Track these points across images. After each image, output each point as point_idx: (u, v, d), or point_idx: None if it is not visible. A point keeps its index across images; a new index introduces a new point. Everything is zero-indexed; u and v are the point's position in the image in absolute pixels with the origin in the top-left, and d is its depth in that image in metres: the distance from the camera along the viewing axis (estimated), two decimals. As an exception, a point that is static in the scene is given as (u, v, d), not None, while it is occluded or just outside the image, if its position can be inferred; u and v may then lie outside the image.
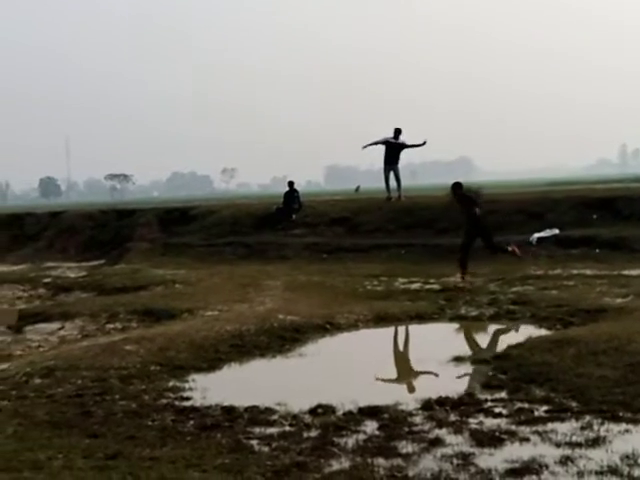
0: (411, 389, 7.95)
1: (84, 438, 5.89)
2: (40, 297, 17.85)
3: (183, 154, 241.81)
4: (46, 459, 5.38)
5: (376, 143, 21.45)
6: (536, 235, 17.05)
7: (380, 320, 10.99)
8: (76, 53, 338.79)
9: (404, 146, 21.30)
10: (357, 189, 31.08)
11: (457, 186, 14.48)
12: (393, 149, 21.19)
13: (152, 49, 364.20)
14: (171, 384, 7.58)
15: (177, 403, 6.91)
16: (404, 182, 22.36)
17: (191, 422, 6.28)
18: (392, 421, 6.15)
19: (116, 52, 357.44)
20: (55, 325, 12.76)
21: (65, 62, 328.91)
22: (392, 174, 21.45)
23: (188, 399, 7.06)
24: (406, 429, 5.93)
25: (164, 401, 6.97)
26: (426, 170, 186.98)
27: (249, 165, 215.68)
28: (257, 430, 6.02)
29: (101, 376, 7.71)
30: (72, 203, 73.57)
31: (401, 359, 9.63)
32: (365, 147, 21.60)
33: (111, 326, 12.11)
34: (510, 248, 14.49)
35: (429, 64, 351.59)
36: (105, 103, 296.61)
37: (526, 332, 9.68)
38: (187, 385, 7.59)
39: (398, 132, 21.23)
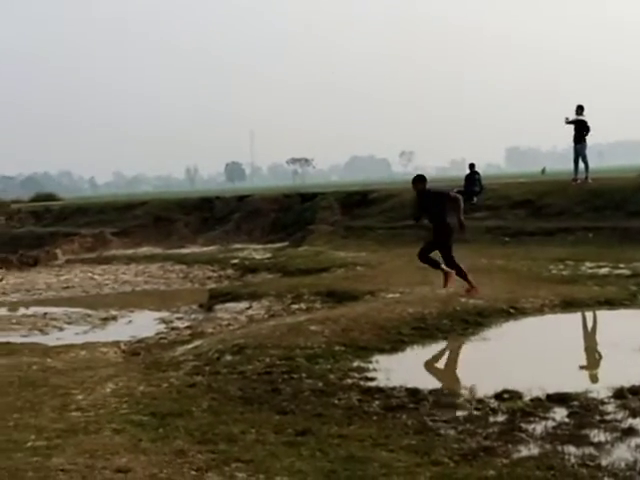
0: (601, 377, 7.64)
1: (274, 414, 6.10)
2: (228, 277, 18.62)
3: (362, 138, 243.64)
4: (239, 433, 5.61)
5: (571, 122, 20.51)
6: None
7: (567, 305, 10.62)
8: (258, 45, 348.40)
9: (584, 125, 20.34)
10: (543, 171, 30.24)
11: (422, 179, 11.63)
12: (580, 128, 20.34)
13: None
14: (355, 364, 7.67)
15: (362, 383, 6.99)
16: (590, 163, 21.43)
17: (376, 402, 6.34)
18: (582, 409, 5.95)
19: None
20: (243, 304, 13.25)
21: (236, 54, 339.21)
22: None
23: (372, 379, 7.12)
24: (597, 417, 5.72)
25: (349, 381, 7.07)
26: (613, 151, 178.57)
27: (427, 148, 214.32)
28: (442, 413, 5.99)
29: (288, 355, 7.91)
30: (256, 187, 75.96)
31: (590, 346, 9.26)
32: (567, 123, 20.58)
33: (296, 306, 12.43)
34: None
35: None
36: (288, 90, 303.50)
37: None
38: (371, 366, 7.65)
39: (580, 109, 20.34)
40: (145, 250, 24.75)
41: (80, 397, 6.82)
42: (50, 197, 37.17)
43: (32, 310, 14.87)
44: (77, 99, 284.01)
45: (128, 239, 26.25)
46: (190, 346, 9.24)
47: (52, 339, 11.24)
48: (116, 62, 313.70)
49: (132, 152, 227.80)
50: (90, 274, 20.64)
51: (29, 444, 5.42)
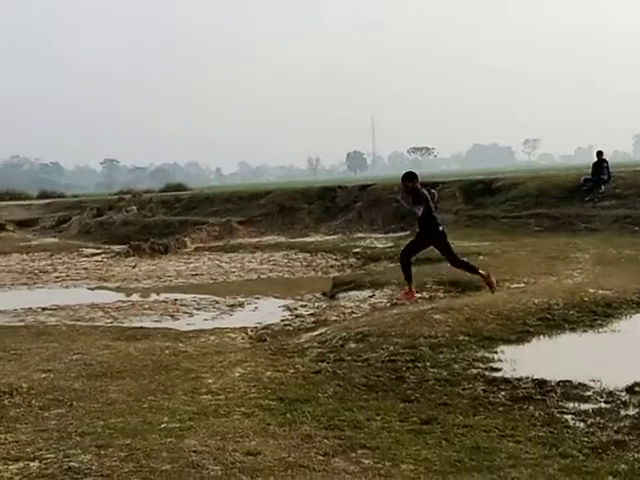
0: None
1: (399, 402, 6.14)
2: (351, 266, 18.73)
3: (484, 126, 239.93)
4: (365, 420, 5.68)
5: None
6: None
7: (703, 297, 10.19)
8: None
9: None
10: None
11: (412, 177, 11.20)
12: None
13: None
14: (480, 354, 7.62)
15: (487, 373, 6.94)
16: None
17: (502, 393, 6.30)
18: None
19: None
20: (366, 293, 13.32)
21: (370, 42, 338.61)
22: None
23: (498, 370, 7.06)
24: None
25: (474, 371, 7.03)
26: None
27: (552, 136, 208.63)
28: (571, 405, 5.90)
29: (412, 343, 7.92)
30: (377, 176, 75.98)
31: None
32: None
33: (418, 295, 12.41)
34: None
35: None
36: (404, 78, 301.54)
37: None
38: (496, 356, 7.58)
39: None
40: (270, 239, 25.19)
41: (210, 381, 7.05)
42: (179, 187, 38.35)
43: (163, 296, 15.39)
44: (206, 96, 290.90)
45: (253, 228, 26.79)
46: (314, 333, 9.39)
47: (182, 324, 11.61)
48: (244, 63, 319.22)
49: (257, 143, 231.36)
50: (217, 262, 21.18)
51: (163, 425, 5.65)
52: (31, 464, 4.85)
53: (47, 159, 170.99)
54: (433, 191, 11.58)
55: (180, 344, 8.96)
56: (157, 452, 4.97)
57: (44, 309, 13.71)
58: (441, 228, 11.10)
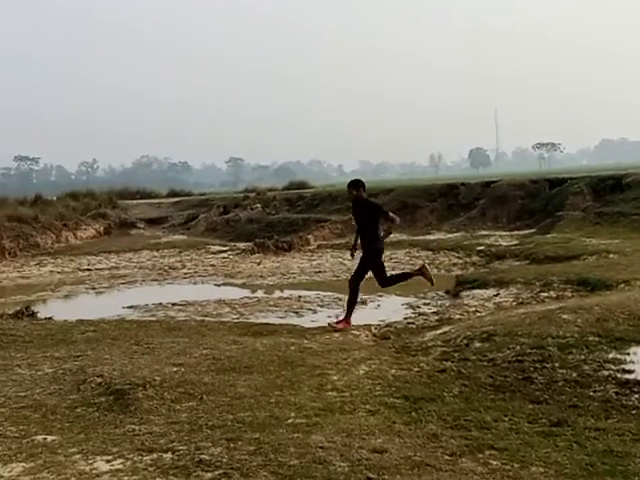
0: None
1: (527, 403, 6.03)
2: (474, 264, 18.50)
3: (613, 120, 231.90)
4: (492, 420, 5.61)
5: None
6: None
7: None
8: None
9: None
10: None
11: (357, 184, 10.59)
12: None
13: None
14: (611, 356, 7.36)
15: (619, 375, 6.70)
16: None
17: (636, 396, 6.08)
18: None
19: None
20: (490, 291, 13.14)
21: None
22: None
23: (630, 372, 6.80)
24: None
25: (605, 372, 6.81)
26: None
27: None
28: None
29: (539, 343, 7.73)
30: (500, 172, 74.60)
31: None
32: None
33: (545, 294, 12.13)
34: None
35: None
36: (532, 72, 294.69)
37: None
38: (628, 357, 7.29)
39: None
40: (391, 236, 25.06)
41: (335, 378, 7.11)
42: (302, 185, 38.70)
43: (287, 293, 15.62)
44: (328, 95, 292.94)
45: (375, 225, 26.78)
46: (438, 332, 9.32)
47: (307, 321, 11.76)
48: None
49: (378, 140, 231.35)
50: (340, 259, 21.30)
51: (290, 421, 5.74)
52: (164, 455, 5.02)
53: (176, 158, 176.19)
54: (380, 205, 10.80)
55: (305, 340, 9.07)
56: (285, 447, 5.05)
57: (174, 304, 14.16)
58: (379, 246, 10.33)
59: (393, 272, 11.09)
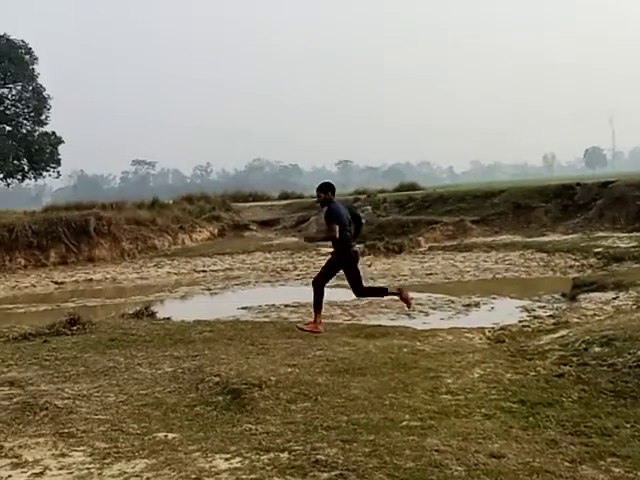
0: None
1: (651, 410, 5.83)
2: (591, 266, 18.03)
3: None
4: (613, 427, 5.45)
5: None
6: None
7: None
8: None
9: None
10: None
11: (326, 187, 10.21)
12: None
13: None
14: None
15: None
16: None
17: None
18: None
19: None
20: (609, 295, 12.78)
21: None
22: None
23: None
24: None
25: None
26: None
27: None
28: None
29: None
30: (618, 173, 72.33)
31: None
32: None
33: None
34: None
35: None
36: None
37: None
38: None
39: None
40: (504, 238, 24.75)
41: (449, 381, 7.05)
42: (412, 186, 38.52)
43: (398, 295, 15.57)
44: (437, 94, 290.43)
45: (487, 227, 26.44)
46: (555, 335, 9.10)
47: (419, 323, 11.71)
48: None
49: (490, 141, 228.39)
50: (451, 261, 21.16)
51: (404, 423, 5.72)
52: (281, 455, 5.09)
53: (286, 161, 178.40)
54: (355, 212, 10.46)
55: (418, 343, 9.02)
56: (400, 449, 5.04)
57: (286, 306, 14.36)
58: (353, 250, 10.16)
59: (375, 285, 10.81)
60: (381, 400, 6.40)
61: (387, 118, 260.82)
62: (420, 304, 13.98)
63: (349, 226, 10.03)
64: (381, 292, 10.76)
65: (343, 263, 10.11)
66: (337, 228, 9.80)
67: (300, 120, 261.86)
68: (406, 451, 5.02)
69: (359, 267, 10.38)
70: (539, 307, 13.08)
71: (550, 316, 11.80)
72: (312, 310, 13.30)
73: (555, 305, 13.25)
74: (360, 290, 10.32)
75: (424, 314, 12.99)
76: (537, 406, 6.05)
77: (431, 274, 18.89)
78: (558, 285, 15.52)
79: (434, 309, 13.50)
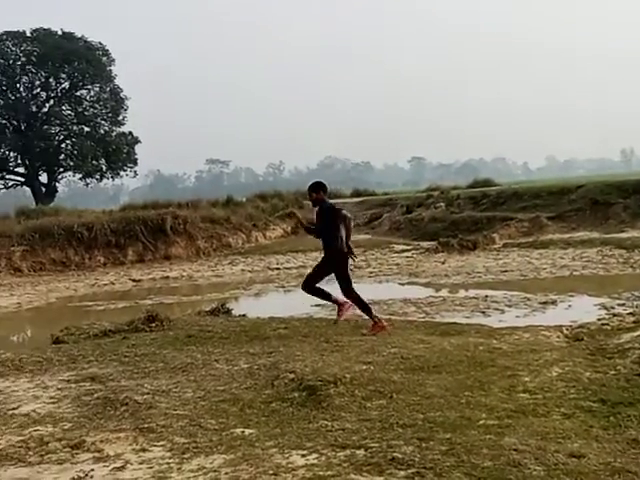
0: None
1: None
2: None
3: None
4: None
5: None
6: None
7: None
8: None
9: None
10: None
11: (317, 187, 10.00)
12: None
13: None
14: None
15: None
16: None
17: None
18: None
19: None
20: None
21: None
22: None
23: None
24: None
25: None
26: None
27: None
28: None
29: None
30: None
31: None
32: None
33: None
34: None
35: None
36: None
37: None
38: None
39: None
40: (581, 234, 24.28)
41: (526, 379, 6.96)
42: (486, 183, 38.02)
43: (473, 292, 15.43)
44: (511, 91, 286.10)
45: (564, 223, 25.96)
46: (635, 334, 8.92)
47: (494, 321, 11.56)
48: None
49: (566, 136, 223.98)
50: (527, 258, 20.84)
51: (481, 422, 5.67)
52: (357, 452, 5.09)
53: (358, 159, 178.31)
54: (344, 212, 10.06)
55: (494, 341, 8.93)
56: (477, 448, 5.00)
57: (360, 303, 14.33)
58: (344, 249, 9.84)
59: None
60: (457, 398, 6.36)
61: (460, 113, 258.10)
62: (495, 302, 13.82)
63: (341, 226, 9.81)
64: (328, 297, 10.30)
65: (334, 264, 9.92)
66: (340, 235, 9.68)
67: (372, 118, 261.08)
68: (483, 450, 4.97)
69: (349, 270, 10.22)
70: (618, 305, 12.77)
71: (630, 314, 11.50)
72: (385, 308, 13.32)
73: (635, 303, 12.90)
74: (352, 293, 9.99)
75: (500, 312, 12.83)
76: (618, 405, 5.93)
77: (506, 271, 18.64)
78: (638, 282, 15.17)
79: (510, 307, 13.32)
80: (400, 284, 18.14)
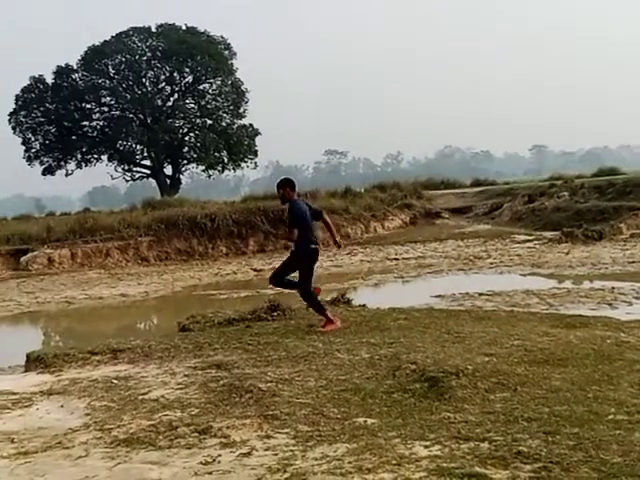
0: None
1: None
2: None
3: None
4: None
5: None
6: None
7: None
8: None
9: None
10: None
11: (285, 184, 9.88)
12: None
13: None
14: None
15: None
16: None
17: None
18: None
19: None
20: None
21: None
22: None
23: None
24: None
25: None
26: None
27: None
28: None
29: None
30: None
31: None
32: None
33: None
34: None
35: None
36: None
37: None
38: None
39: None
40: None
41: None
42: (612, 171, 36.78)
43: (598, 284, 15.01)
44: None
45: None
46: None
47: (621, 313, 11.21)
48: None
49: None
50: (656, 249, 20.11)
51: (610, 417, 5.51)
52: (481, 445, 5.04)
53: (477, 148, 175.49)
54: (316, 207, 10.08)
55: (622, 334, 8.65)
56: (606, 443, 4.87)
57: (480, 294, 14.18)
58: (313, 247, 9.78)
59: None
60: (584, 392, 6.20)
61: (582, 101, 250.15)
62: (623, 294, 13.39)
63: (310, 222, 9.82)
64: (320, 309, 10.08)
65: (300, 262, 9.87)
66: (295, 232, 9.67)
67: (491, 107, 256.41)
68: (613, 445, 4.83)
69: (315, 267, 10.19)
70: None
71: None
72: (507, 299, 13.11)
73: None
74: (307, 291, 9.91)
75: (627, 304, 12.42)
76: None
77: (634, 262, 18.01)
78: None
79: (638, 299, 12.89)
80: (522, 275, 17.79)
